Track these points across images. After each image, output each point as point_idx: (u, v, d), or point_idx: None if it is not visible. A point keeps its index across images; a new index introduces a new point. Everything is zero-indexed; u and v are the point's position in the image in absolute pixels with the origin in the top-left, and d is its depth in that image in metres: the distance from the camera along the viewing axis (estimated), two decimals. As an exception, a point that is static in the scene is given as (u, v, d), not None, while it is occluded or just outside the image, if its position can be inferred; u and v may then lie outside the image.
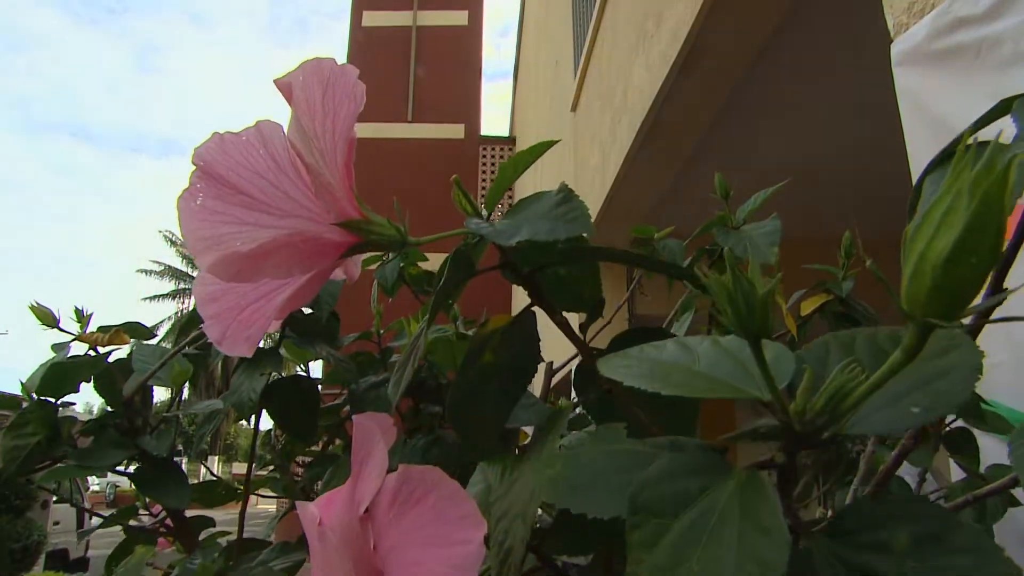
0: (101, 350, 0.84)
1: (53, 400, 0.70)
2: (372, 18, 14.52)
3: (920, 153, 1.38)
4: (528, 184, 10.73)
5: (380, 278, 1.12)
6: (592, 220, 0.33)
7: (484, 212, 0.40)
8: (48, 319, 0.85)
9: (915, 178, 1.35)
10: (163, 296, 29.62)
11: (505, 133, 17.58)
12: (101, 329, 0.85)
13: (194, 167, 0.36)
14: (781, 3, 2.76)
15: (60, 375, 0.67)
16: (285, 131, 0.38)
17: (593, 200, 4.92)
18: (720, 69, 3.18)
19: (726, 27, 2.89)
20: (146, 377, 0.71)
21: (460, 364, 0.40)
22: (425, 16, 14.41)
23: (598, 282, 0.45)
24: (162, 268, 29.68)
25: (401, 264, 1.15)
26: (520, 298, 11.23)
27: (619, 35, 4.30)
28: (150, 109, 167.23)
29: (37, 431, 0.67)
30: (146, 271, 29.65)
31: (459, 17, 14.53)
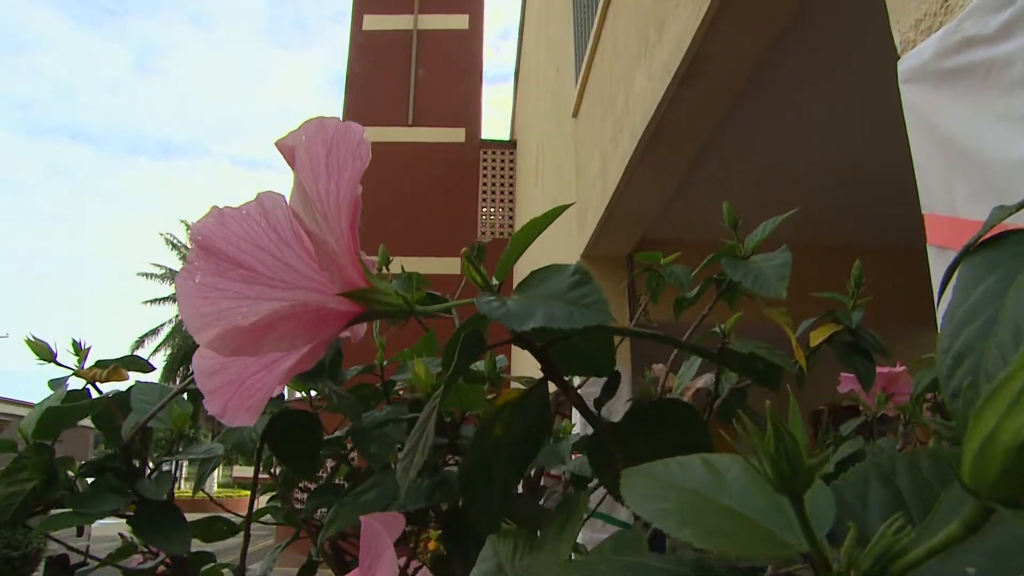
0: (101, 384, 0.83)
1: (49, 443, 0.69)
2: (373, 22, 14.54)
3: (928, 172, 1.36)
4: (529, 190, 10.72)
5: (383, 304, 1.11)
6: (608, 306, 0.31)
7: (495, 282, 0.38)
8: (45, 353, 0.84)
9: (922, 197, 1.33)
10: (164, 300, 29.59)
11: (506, 136, 17.58)
12: (99, 364, 0.84)
13: (192, 244, 0.34)
14: (783, 11, 2.74)
15: (56, 420, 0.66)
16: (287, 200, 0.37)
17: (594, 208, 4.91)
18: (722, 77, 3.17)
19: (729, 36, 2.88)
20: (145, 420, 0.69)
21: (473, 437, 0.39)
22: (426, 20, 14.42)
23: (612, 352, 0.44)
24: (163, 271, 29.67)
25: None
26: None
27: (620, 43, 4.29)
28: (150, 111, 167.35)
29: (33, 476, 0.65)
30: (147, 274, 29.65)
31: (460, 21, 14.54)
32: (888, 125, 3.64)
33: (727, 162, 4.31)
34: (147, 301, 29.67)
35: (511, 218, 13.56)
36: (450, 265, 13.33)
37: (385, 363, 0.91)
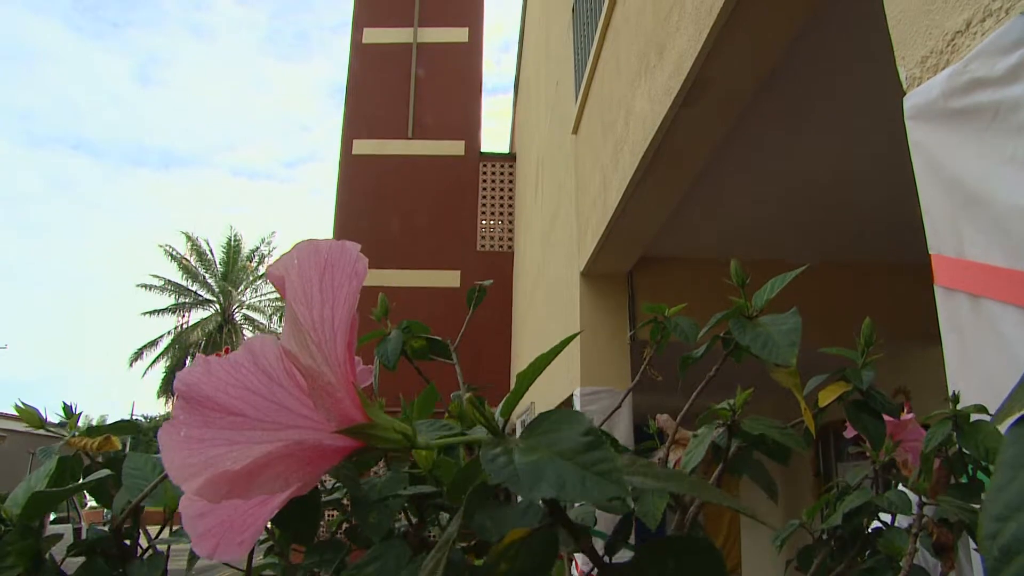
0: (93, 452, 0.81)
1: (36, 525, 0.66)
2: (373, 35, 14.57)
3: (935, 212, 1.35)
4: (528, 204, 10.71)
5: (381, 356, 1.08)
6: (622, 474, 0.29)
7: (500, 420, 0.36)
8: (34, 420, 0.82)
9: (929, 236, 1.31)
10: (163, 311, 29.55)
11: (506, 148, 17.59)
12: (90, 432, 0.82)
13: (177, 395, 0.32)
14: (783, 37, 2.73)
15: (43, 503, 0.63)
16: (277, 341, 0.34)
17: (594, 226, 4.90)
18: (723, 100, 3.16)
19: (730, 60, 2.87)
20: (137, 500, 0.67)
21: (479, 572, 0.37)
22: (425, 33, 14.46)
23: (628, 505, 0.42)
24: (163, 283, 29.64)
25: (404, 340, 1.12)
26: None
27: (621, 62, 4.28)
28: (151, 121, 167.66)
29: (18, 563, 0.63)
30: (146, 285, 29.60)
31: (459, 34, 14.57)
32: (886, 145, 3.64)
33: (728, 180, 4.29)
34: (146, 312, 29.61)
35: (510, 231, 13.55)
36: (449, 278, 13.32)
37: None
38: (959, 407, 0.94)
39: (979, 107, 1.21)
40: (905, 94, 1.42)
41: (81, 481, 0.71)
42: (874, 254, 5.35)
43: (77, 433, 0.80)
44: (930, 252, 1.33)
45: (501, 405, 0.37)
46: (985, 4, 1.26)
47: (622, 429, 5.33)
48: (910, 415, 1.23)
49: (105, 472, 0.70)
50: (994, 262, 1.19)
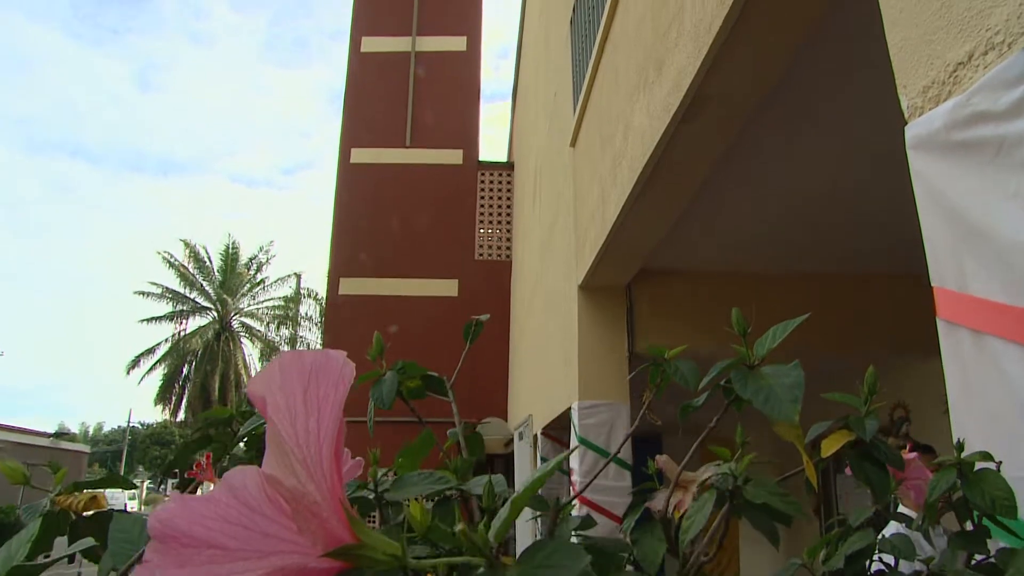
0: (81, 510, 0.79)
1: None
2: (371, 44, 14.58)
3: (937, 244, 1.33)
4: (526, 213, 10.70)
5: (376, 399, 1.07)
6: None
7: (493, 544, 0.34)
8: (19, 477, 0.80)
9: (931, 268, 1.30)
10: (160, 319, 29.47)
11: (503, 155, 17.59)
12: (77, 487, 0.80)
13: (151, 535, 0.31)
14: (783, 55, 2.72)
15: (25, 576, 0.62)
16: (258, 469, 0.33)
17: (593, 240, 4.88)
18: (723, 117, 3.15)
19: (729, 77, 2.86)
20: (124, 569, 0.65)
21: None
22: (424, 42, 14.47)
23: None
24: (160, 290, 29.56)
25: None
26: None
27: (620, 76, 4.27)
28: (150, 128, 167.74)
29: (0, 638, 0.61)
30: (144, 293, 29.53)
31: (457, 43, 14.58)
32: (886, 160, 3.63)
33: (727, 193, 4.28)
34: (143, 320, 29.54)
35: (508, 239, 13.54)
36: (447, 287, 13.30)
37: (379, 474, 0.87)
38: (964, 454, 0.92)
39: (982, 141, 1.20)
40: (906, 123, 1.41)
41: (65, 551, 0.69)
42: (874, 264, 5.34)
43: (62, 491, 0.78)
44: (932, 284, 1.32)
45: (494, 529, 0.35)
46: (987, 37, 1.25)
47: (620, 441, 5.31)
48: (913, 454, 1.21)
49: (89, 542, 0.68)
50: (996, 298, 1.17)
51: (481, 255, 13.59)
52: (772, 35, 2.61)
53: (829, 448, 0.88)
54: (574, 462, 5.32)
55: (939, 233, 1.34)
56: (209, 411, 0.94)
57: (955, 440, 0.97)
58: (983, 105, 1.20)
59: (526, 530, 8.21)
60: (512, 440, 10.46)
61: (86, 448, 14.73)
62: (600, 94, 4.91)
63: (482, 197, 13.90)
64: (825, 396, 0.96)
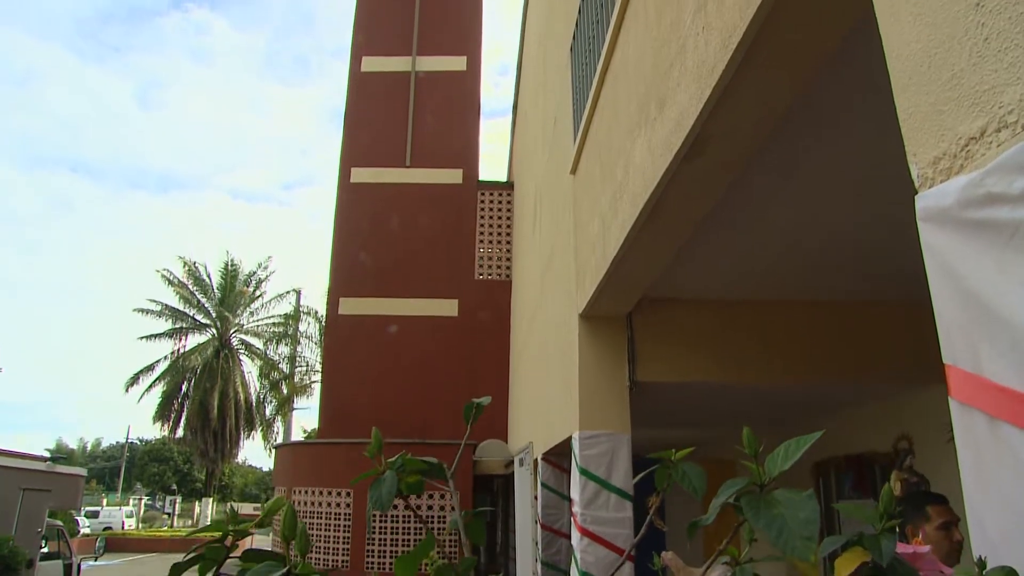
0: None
1: None
2: (371, 64, 14.62)
3: (950, 321, 1.30)
4: (526, 236, 10.68)
5: (375, 501, 1.03)
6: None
7: None
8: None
9: (944, 346, 1.26)
10: (159, 336, 29.40)
11: (503, 172, 17.57)
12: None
13: None
14: (789, 93, 2.70)
15: None
16: None
17: (593, 271, 4.85)
18: (726, 158, 3.12)
19: (732, 119, 2.84)
20: None
21: None
22: (424, 62, 14.50)
23: None
24: (160, 307, 29.50)
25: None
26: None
27: (620, 109, 4.26)
28: (151, 145, 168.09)
29: None
30: (143, 310, 29.47)
31: (458, 63, 14.62)
32: (888, 195, 3.60)
33: (730, 224, 4.25)
34: (143, 337, 29.47)
35: (508, 259, 13.52)
36: (447, 307, 13.26)
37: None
38: (985, 571, 0.89)
39: (997, 223, 1.17)
40: (916, 191, 1.38)
41: None
42: (878, 292, 5.29)
43: None
44: (944, 361, 1.29)
45: None
46: (1000, 115, 1.22)
47: (621, 472, 5.26)
48: (925, 548, 1.17)
49: None
50: (1012, 384, 1.14)
51: (481, 275, 13.57)
52: (777, 75, 2.59)
53: (843, 569, 0.84)
54: (575, 492, 5.27)
55: (951, 311, 1.30)
56: (205, 527, 0.90)
57: (971, 536, 0.93)
58: (998, 187, 1.17)
59: (527, 554, 8.13)
60: (512, 461, 10.39)
61: (83, 471, 14.58)
62: (601, 124, 4.89)
63: (482, 217, 13.89)
64: (835, 505, 0.92)
